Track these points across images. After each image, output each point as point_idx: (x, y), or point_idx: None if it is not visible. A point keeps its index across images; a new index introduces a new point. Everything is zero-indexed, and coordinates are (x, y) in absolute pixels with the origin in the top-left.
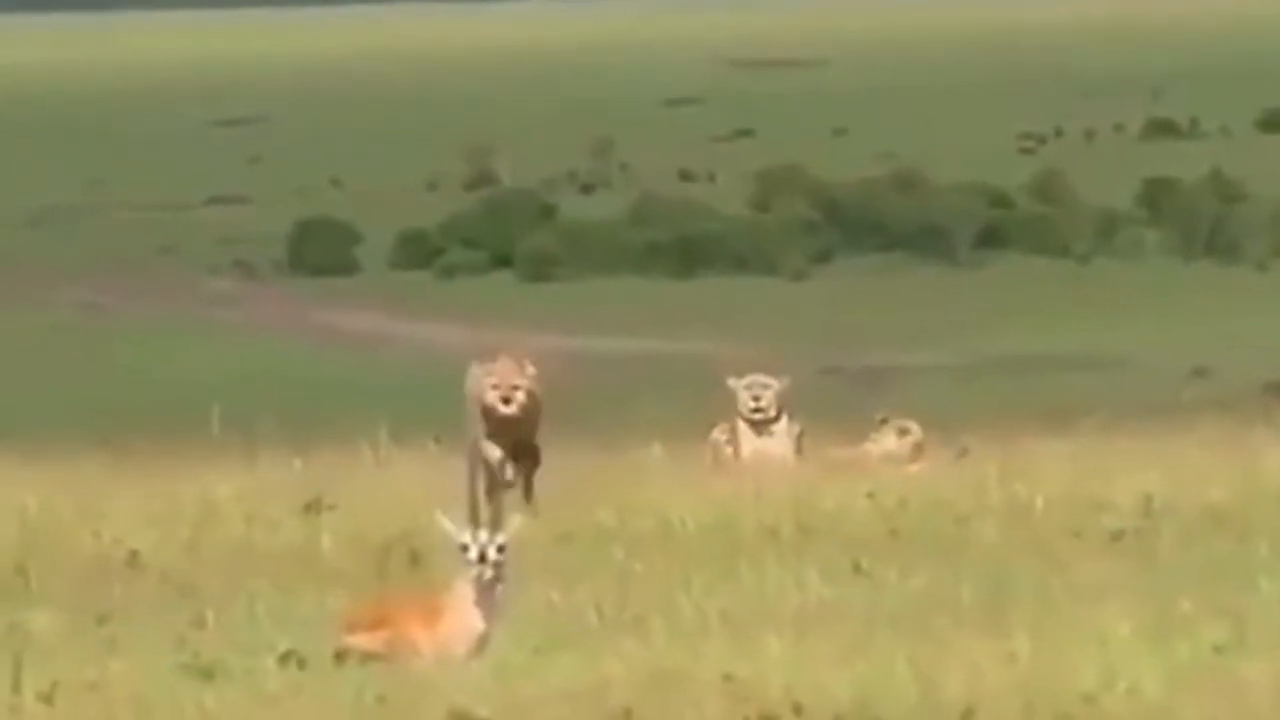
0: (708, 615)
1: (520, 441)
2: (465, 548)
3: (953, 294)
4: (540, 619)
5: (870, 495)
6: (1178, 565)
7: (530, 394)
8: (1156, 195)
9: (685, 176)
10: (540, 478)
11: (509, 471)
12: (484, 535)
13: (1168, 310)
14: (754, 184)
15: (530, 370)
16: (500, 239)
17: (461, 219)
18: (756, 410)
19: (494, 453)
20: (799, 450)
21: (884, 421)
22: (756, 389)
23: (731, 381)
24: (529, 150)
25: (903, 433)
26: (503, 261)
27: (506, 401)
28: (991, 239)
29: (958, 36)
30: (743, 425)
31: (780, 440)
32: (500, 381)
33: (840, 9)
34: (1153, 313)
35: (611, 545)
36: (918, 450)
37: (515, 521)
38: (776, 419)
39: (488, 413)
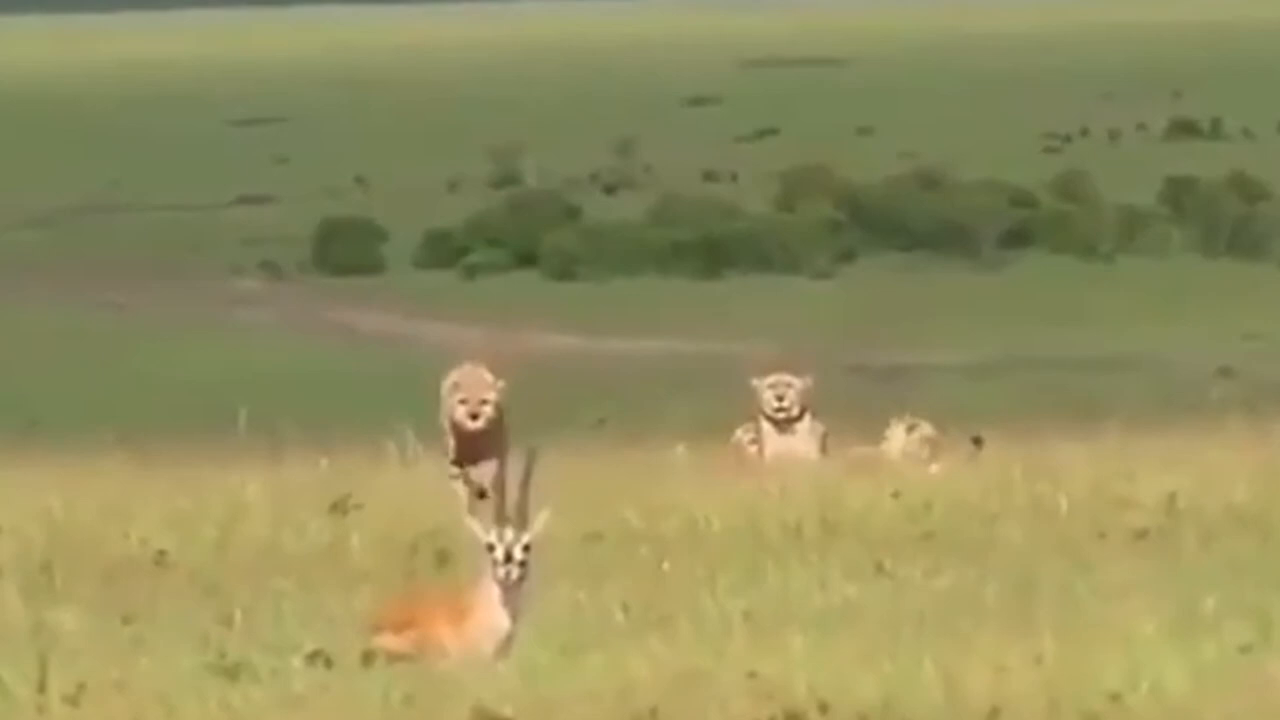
0: (732, 615)
1: (486, 453)
2: (491, 547)
3: (976, 293)
4: (566, 619)
5: (895, 495)
6: (1202, 565)
7: (497, 406)
8: (1179, 194)
9: (709, 176)
10: (564, 477)
11: (470, 483)
12: (510, 534)
13: (1192, 309)
14: (777, 183)
15: (499, 384)
16: (524, 238)
17: (486, 218)
18: (780, 409)
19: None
20: (823, 449)
21: (896, 421)
22: (780, 388)
23: (755, 381)
24: (552, 150)
25: (911, 429)
26: (527, 261)
27: (475, 417)
28: (1015, 238)
29: (982, 36)
30: (767, 424)
31: (804, 439)
32: (469, 396)
33: (862, 8)
34: (1177, 312)
35: (637, 545)
36: (934, 447)
37: (541, 520)
38: (800, 418)
39: (456, 428)
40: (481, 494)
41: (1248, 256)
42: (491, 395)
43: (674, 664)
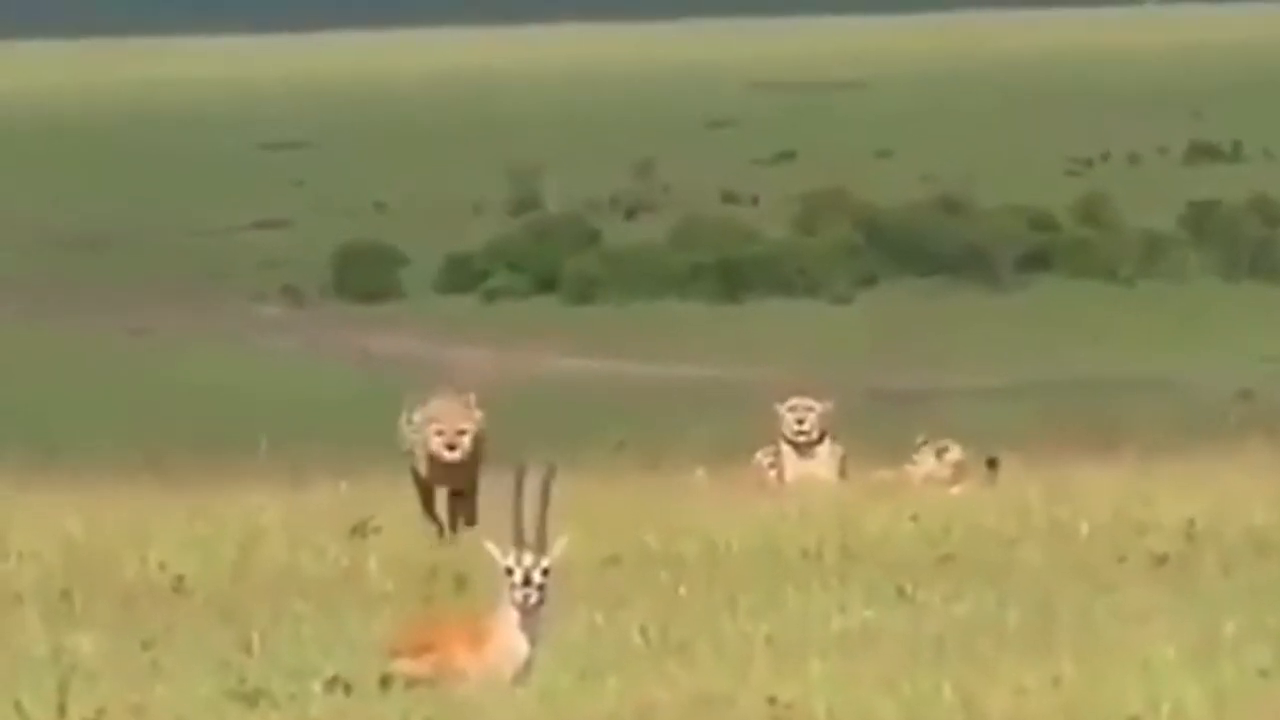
0: (752, 638)
1: (462, 480)
2: (510, 571)
3: (997, 317)
4: (584, 642)
5: (914, 519)
6: (1221, 589)
7: (476, 437)
8: (1200, 218)
9: (728, 199)
10: (583, 501)
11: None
12: (528, 558)
13: (1212, 333)
14: (797, 206)
15: (476, 413)
16: (544, 262)
17: (506, 243)
18: (800, 432)
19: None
20: (842, 472)
21: (924, 443)
22: (800, 411)
23: (777, 405)
24: (572, 173)
25: (941, 453)
26: (546, 285)
27: (452, 448)
28: (1035, 262)
29: (1001, 58)
30: (786, 448)
31: (824, 462)
32: (445, 427)
33: (881, 30)
34: (1197, 336)
35: (656, 568)
36: (959, 471)
37: (560, 545)
38: (820, 441)
39: (432, 457)
40: (441, 531)
41: (1268, 279)
42: (469, 425)
43: (693, 687)
